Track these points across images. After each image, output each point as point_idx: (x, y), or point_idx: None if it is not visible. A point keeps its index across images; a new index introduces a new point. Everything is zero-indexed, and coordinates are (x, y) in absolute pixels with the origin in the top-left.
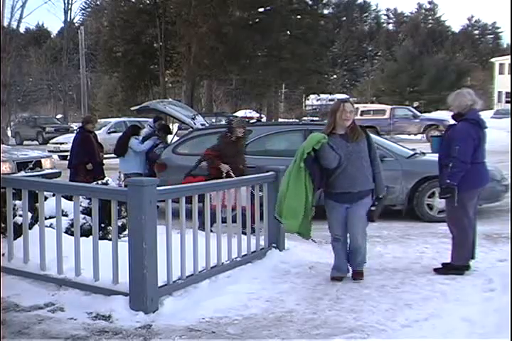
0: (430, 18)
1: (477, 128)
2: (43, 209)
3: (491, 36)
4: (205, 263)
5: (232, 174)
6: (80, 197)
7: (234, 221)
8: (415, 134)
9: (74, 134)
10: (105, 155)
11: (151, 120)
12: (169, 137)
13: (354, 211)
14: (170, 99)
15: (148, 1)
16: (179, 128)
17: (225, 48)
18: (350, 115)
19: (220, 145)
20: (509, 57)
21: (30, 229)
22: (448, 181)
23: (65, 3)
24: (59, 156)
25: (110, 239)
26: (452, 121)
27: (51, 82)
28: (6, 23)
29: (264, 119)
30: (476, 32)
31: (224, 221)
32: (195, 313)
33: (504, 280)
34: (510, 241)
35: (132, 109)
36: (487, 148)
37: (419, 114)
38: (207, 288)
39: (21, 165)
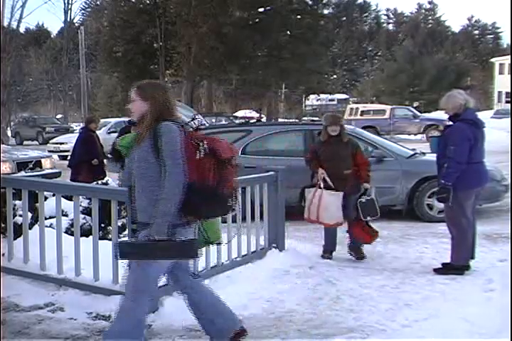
0: (430, 18)
1: (473, 129)
2: (43, 209)
3: (491, 36)
4: (205, 263)
5: (328, 181)
6: (80, 197)
7: (234, 221)
8: (415, 134)
9: (74, 134)
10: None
11: None
12: None
13: None
14: None
15: (148, 1)
16: None
17: (225, 48)
18: (132, 106)
19: (316, 145)
20: (509, 57)
21: (30, 229)
22: (443, 181)
23: (65, 3)
24: (59, 156)
25: (110, 239)
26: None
27: (51, 82)
28: (6, 23)
29: (264, 119)
30: (476, 32)
31: (224, 221)
32: None
33: (504, 280)
34: (510, 241)
35: None
36: (487, 148)
37: (419, 114)
38: None
39: (21, 165)
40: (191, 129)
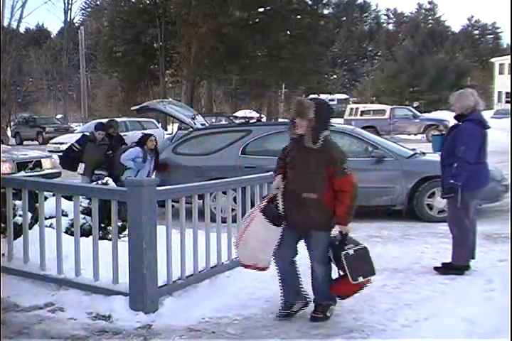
0: (430, 18)
1: (481, 129)
2: (43, 209)
3: (491, 36)
4: (205, 263)
5: (280, 205)
6: (80, 197)
7: (234, 221)
8: (415, 134)
9: (74, 134)
10: None
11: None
12: (168, 136)
13: None
14: (170, 99)
15: (148, 1)
16: (179, 128)
17: (225, 48)
18: None
19: (288, 145)
20: (509, 57)
21: (30, 229)
22: (452, 181)
23: (65, 3)
24: (59, 156)
25: (110, 239)
26: (453, 121)
27: (51, 82)
28: (6, 23)
29: (264, 119)
30: (476, 32)
31: (224, 221)
32: (195, 313)
33: (504, 280)
34: (510, 241)
35: (132, 108)
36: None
37: (419, 114)
38: (207, 288)
39: (21, 165)
40: None
